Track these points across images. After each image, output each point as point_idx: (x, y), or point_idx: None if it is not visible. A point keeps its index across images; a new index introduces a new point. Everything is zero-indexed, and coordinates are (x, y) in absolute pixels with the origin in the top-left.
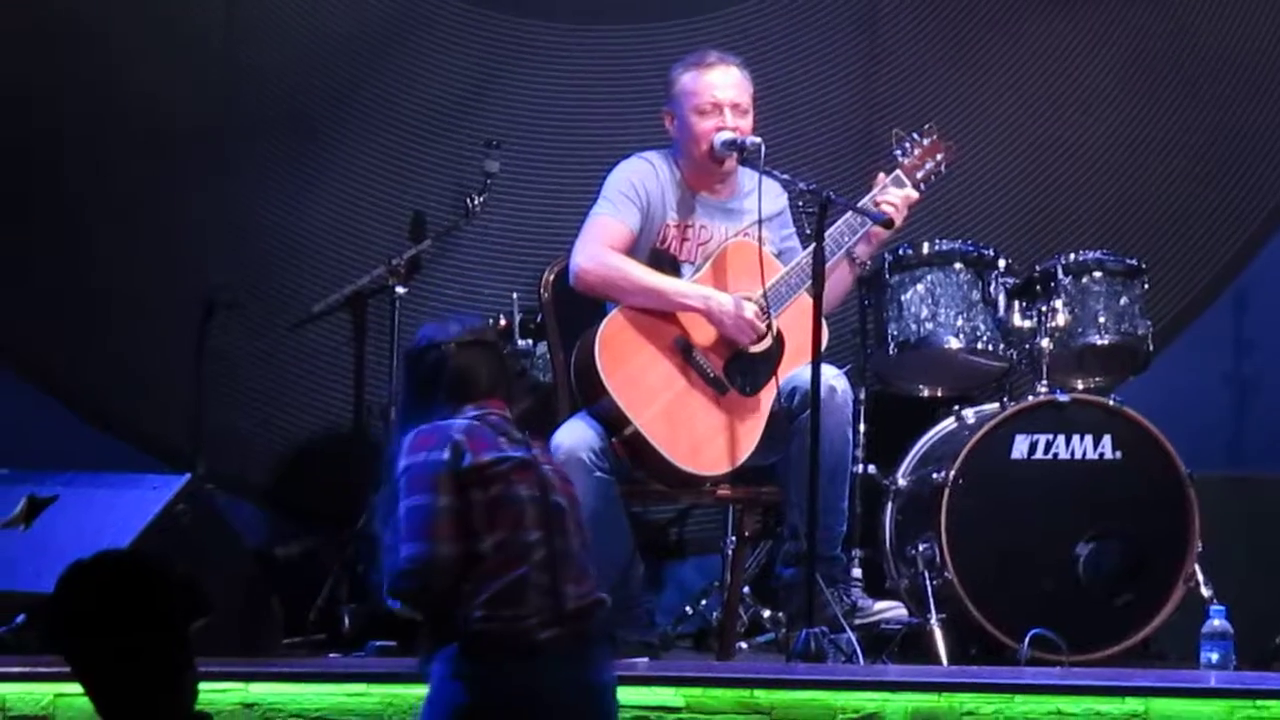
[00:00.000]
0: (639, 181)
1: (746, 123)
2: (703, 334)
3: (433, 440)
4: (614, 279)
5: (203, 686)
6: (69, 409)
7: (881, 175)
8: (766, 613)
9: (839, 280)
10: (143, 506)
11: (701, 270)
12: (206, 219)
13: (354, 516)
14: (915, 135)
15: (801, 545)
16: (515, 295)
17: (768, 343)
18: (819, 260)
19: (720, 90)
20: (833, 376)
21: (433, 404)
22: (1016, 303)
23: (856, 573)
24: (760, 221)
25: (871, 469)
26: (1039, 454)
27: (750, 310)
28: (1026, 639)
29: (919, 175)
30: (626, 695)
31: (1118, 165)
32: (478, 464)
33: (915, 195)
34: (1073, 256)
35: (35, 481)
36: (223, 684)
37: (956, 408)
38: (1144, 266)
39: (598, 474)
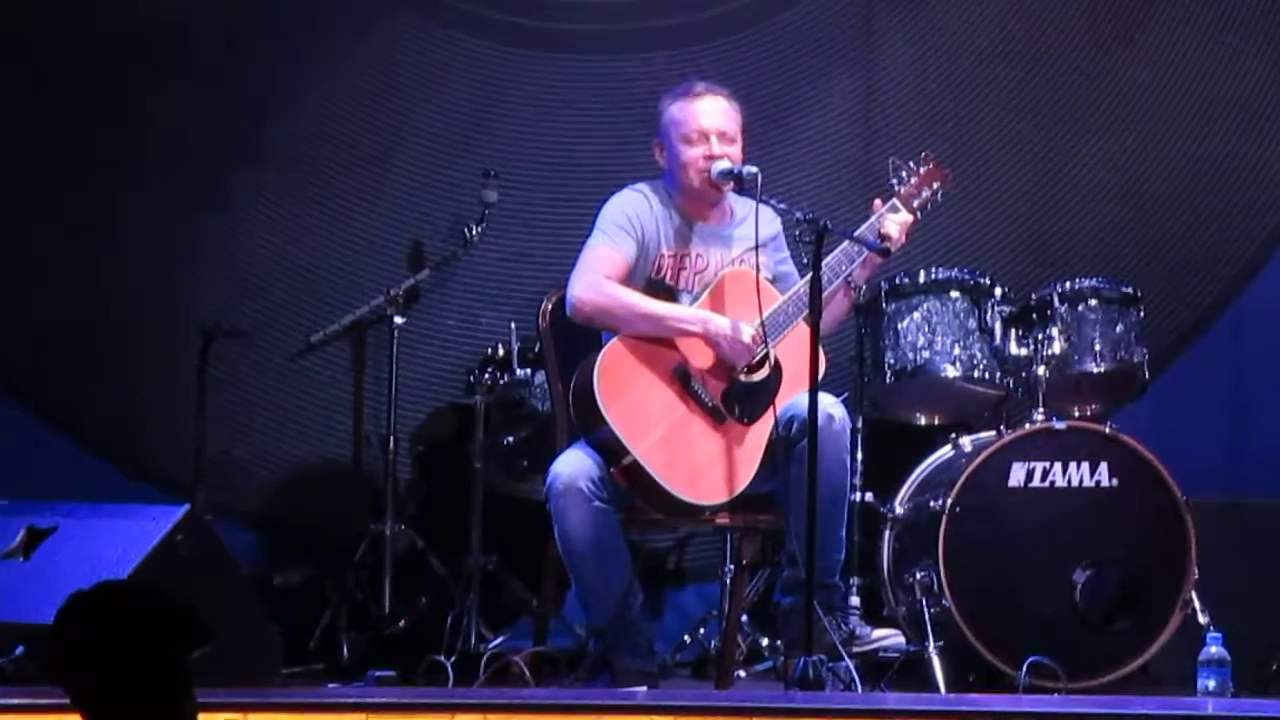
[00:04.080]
0: (633, 212)
1: (735, 151)
2: (701, 362)
3: None
4: (610, 308)
5: (202, 716)
6: (68, 439)
7: (878, 202)
8: (765, 640)
9: (835, 307)
10: (142, 537)
11: (699, 299)
12: (205, 249)
13: (353, 546)
14: (912, 163)
15: (800, 573)
16: (513, 324)
17: (766, 371)
18: (816, 289)
19: (706, 119)
20: (830, 404)
21: None
22: (1013, 330)
23: (855, 600)
24: (756, 248)
25: (869, 496)
26: (1036, 481)
27: (748, 333)
28: (1024, 666)
29: (916, 203)
30: None
31: (1113, 193)
32: None
33: (911, 219)
34: (1069, 284)
35: (34, 512)
36: (222, 714)
37: (953, 435)
38: (1139, 294)
39: (596, 503)
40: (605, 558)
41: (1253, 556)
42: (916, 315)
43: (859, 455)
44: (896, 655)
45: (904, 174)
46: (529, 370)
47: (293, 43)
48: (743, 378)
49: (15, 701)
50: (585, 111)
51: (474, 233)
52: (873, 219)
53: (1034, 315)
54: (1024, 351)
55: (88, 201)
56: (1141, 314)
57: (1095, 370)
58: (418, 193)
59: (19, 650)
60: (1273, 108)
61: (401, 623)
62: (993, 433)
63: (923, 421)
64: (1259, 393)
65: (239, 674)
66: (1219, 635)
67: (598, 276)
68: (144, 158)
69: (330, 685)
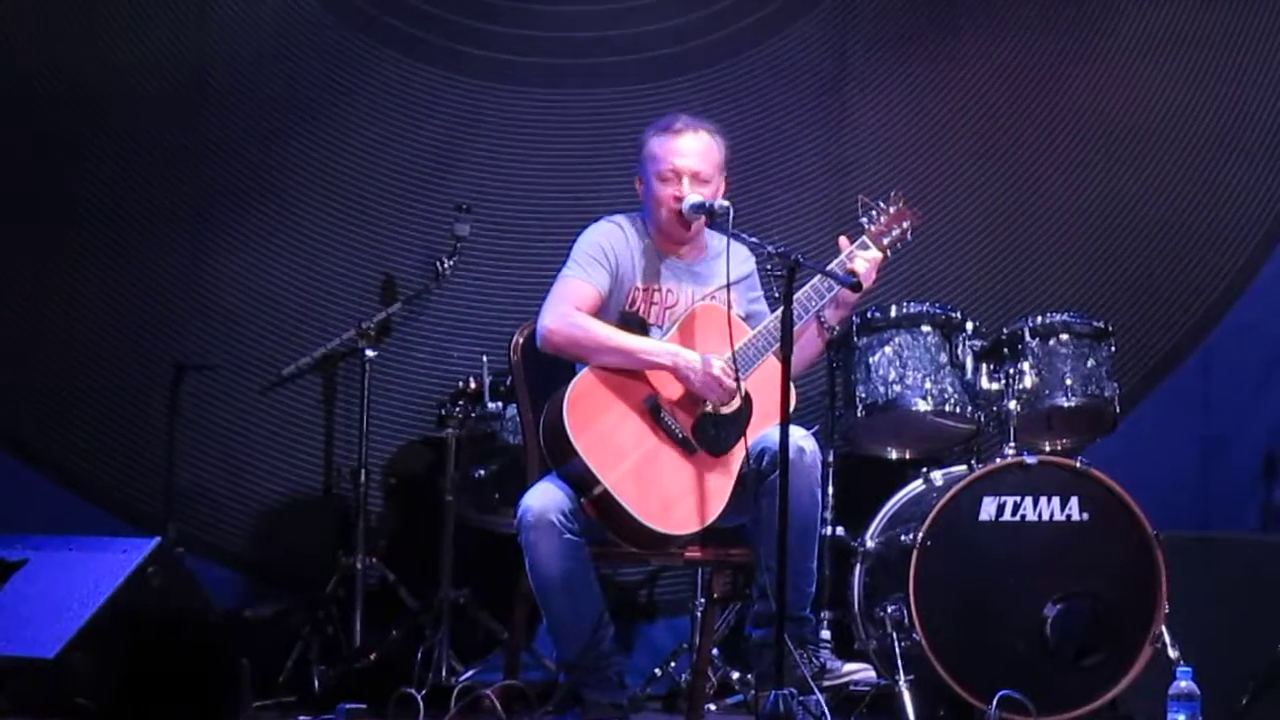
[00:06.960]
0: (608, 245)
1: (708, 191)
2: (671, 394)
3: None
4: (580, 339)
5: None
6: (39, 473)
7: (844, 240)
8: (736, 674)
9: (808, 345)
10: (113, 569)
11: (669, 334)
12: (177, 283)
13: (324, 579)
14: (882, 202)
15: (770, 606)
16: (485, 357)
17: (736, 404)
18: (787, 323)
19: (681, 158)
20: (801, 438)
21: None
22: (984, 365)
23: (825, 634)
24: (729, 285)
25: (840, 530)
26: (1007, 515)
27: (718, 367)
28: (995, 700)
29: (885, 241)
30: None
31: (1085, 228)
32: None
33: (881, 257)
34: (1040, 319)
35: (5, 545)
36: None
37: (925, 469)
38: (1111, 329)
39: (567, 536)
40: (576, 591)
41: (1223, 591)
42: (888, 349)
43: (830, 489)
44: (867, 689)
45: (874, 212)
46: (500, 404)
47: (265, 78)
48: (713, 410)
49: None
50: (558, 146)
51: (446, 266)
52: (841, 256)
53: (1005, 350)
54: (995, 386)
55: (58, 236)
56: (1113, 349)
57: (1066, 405)
58: (390, 226)
59: None
60: (1242, 145)
61: (372, 656)
62: (964, 467)
63: (894, 455)
64: (1229, 428)
65: (210, 707)
66: (1189, 670)
67: (568, 308)
68: (116, 192)
69: (301, 718)
